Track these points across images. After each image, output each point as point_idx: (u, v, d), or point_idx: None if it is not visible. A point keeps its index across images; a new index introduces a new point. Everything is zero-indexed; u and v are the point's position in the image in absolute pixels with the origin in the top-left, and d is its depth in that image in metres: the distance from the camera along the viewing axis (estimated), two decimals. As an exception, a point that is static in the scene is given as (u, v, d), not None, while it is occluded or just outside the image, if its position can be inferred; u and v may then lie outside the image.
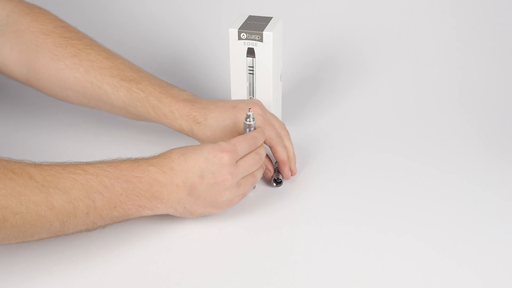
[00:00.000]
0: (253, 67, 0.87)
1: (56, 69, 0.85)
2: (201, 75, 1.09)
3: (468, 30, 1.14)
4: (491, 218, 0.78)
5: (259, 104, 0.84)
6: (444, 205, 0.80)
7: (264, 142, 0.80)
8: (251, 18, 0.88)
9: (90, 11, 1.24)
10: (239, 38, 0.86)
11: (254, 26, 0.86)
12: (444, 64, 1.10)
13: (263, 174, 0.82)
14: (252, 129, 0.79)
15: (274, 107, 0.91)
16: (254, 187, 0.81)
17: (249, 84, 0.89)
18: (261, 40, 0.85)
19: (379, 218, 0.78)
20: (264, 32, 0.84)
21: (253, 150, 0.76)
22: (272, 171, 0.83)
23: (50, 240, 0.70)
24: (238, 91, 0.90)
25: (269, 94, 0.88)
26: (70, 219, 0.67)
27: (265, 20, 0.87)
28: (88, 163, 0.70)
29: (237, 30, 0.85)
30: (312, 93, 1.05)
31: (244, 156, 0.75)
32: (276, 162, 0.84)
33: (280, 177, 0.84)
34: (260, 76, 0.87)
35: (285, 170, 0.83)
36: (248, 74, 0.88)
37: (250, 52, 0.86)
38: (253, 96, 0.89)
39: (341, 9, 1.18)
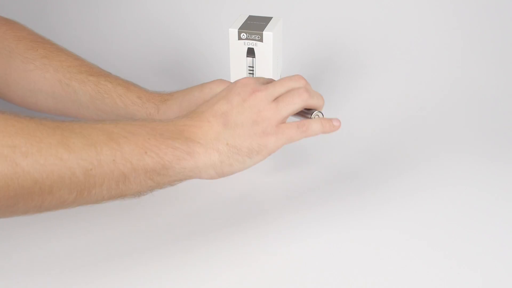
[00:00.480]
0: (253, 67, 0.87)
1: (26, 71, 0.84)
2: (201, 75, 1.09)
3: (468, 30, 1.14)
4: (491, 218, 0.78)
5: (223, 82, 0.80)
6: (444, 205, 0.80)
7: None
8: (251, 18, 0.88)
9: (90, 11, 1.24)
10: (239, 38, 0.86)
11: (254, 26, 0.86)
12: (445, 64, 1.10)
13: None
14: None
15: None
16: (314, 115, 0.72)
17: (249, 84, 0.89)
18: (261, 40, 0.85)
19: (379, 218, 0.78)
20: (264, 32, 0.84)
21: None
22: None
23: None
24: (238, 91, 0.89)
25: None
26: (94, 166, 0.58)
27: (265, 20, 0.87)
28: (102, 119, 0.66)
29: (237, 30, 0.85)
30: (312, 93, 1.05)
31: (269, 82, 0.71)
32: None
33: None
34: (260, 76, 0.87)
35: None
36: (248, 74, 0.88)
37: (250, 52, 0.86)
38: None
39: (341, 9, 1.18)
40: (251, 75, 0.88)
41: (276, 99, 0.69)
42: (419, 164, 0.88)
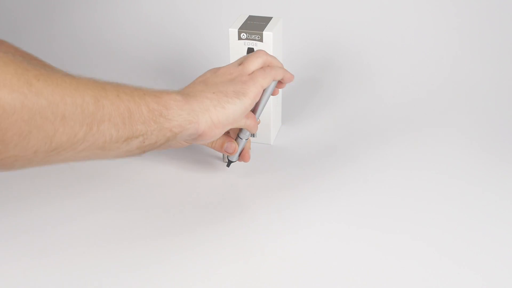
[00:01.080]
0: (253, 67, 0.87)
1: None
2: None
3: (469, 30, 1.14)
4: (491, 218, 0.78)
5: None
6: (445, 205, 0.80)
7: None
8: (251, 18, 0.88)
9: (90, 11, 1.24)
10: (239, 38, 0.86)
11: (254, 26, 0.86)
12: (445, 64, 1.10)
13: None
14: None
15: (274, 107, 0.91)
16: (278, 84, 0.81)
17: (249, 84, 0.89)
18: (261, 40, 0.85)
19: (379, 218, 0.78)
20: (264, 32, 0.84)
21: None
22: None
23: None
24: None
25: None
26: (102, 98, 0.61)
27: (265, 20, 0.87)
28: None
29: (237, 30, 0.85)
30: (312, 93, 1.05)
31: None
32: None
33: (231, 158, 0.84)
34: (260, 76, 0.87)
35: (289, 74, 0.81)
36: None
37: (250, 52, 0.86)
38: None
39: (341, 9, 1.18)
40: (251, 75, 0.88)
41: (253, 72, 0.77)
42: (420, 164, 0.88)
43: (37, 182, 0.84)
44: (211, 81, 0.75)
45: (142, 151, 0.68)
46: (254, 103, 0.76)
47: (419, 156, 0.90)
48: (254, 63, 0.77)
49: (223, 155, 0.87)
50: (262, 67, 0.78)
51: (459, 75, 1.08)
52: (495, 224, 0.77)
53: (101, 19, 1.24)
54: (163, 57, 1.15)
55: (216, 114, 0.71)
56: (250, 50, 0.86)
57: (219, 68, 0.77)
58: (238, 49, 0.86)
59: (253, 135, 0.90)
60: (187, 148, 0.90)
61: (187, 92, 0.72)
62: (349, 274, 0.70)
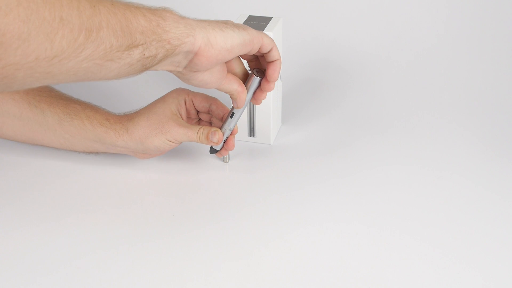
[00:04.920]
0: (253, 67, 0.87)
1: None
2: (201, 75, 1.09)
3: (468, 31, 1.14)
4: (491, 218, 0.78)
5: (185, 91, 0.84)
6: (445, 205, 0.80)
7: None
8: (251, 18, 0.88)
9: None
10: (239, 38, 0.85)
11: (254, 26, 0.86)
12: (444, 64, 1.10)
13: None
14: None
15: (274, 107, 0.91)
16: None
17: (249, 84, 0.89)
18: (261, 40, 0.85)
19: (379, 218, 0.78)
20: (264, 32, 0.84)
21: None
22: None
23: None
24: (238, 91, 0.89)
25: (269, 94, 0.88)
26: (97, 1, 0.59)
27: (265, 20, 0.87)
28: None
29: (237, 30, 0.85)
30: (312, 93, 1.05)
31: None
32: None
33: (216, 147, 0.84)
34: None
35: (277, 70, 0.77)
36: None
37: (250, 52, 0.86)
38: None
39: (341, 9, 1.18)
40: (251, 75, 0.88)
41: None
42: (420, 164, 0.88)
43: (37, 179, 0.84)
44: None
45: (143, 66, 0.66)
46: (251, 46, 0.72)
47: (419, 156, 0.90)
48: (265, 39, 0.74)
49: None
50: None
51: (459, 74, 1.08)
52: (496, 223, 0.77)
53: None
54: (163, 57, 1.14)
55: (214, 34, 0.69)
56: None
57: None
58: (238, 49, 0.86)
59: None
60: (187, 148, 0.90)
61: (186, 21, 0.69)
62: (349, 273, 0.70)
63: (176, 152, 0.90)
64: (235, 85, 0.76)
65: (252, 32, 0.72)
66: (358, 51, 1.14)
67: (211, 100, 0.84)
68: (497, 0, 1.15)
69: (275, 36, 0.86)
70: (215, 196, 0.82)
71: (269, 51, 0.75)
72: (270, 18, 0.88)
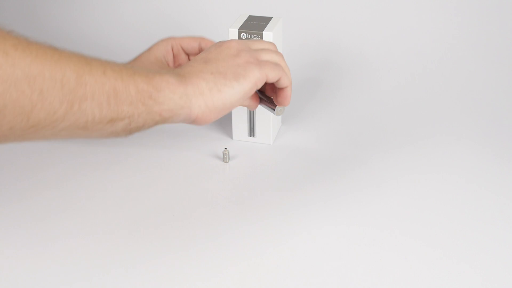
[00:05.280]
0: (253, 67, 0.87)
1: None
2: (201, 75, 1.09)
3: (469, 30, 1.14)
4: (491, 218, 0.78)
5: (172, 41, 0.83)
6: (446, 205, 0.80)
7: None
8: (251, 18, 0.88)
9: (89, 11, 1.24)
10: (239, 38, 0.86)
11: (254, 26, 0.86)
12: (445, 64, 1.10)
13: None
14: None
15: (274, 107, 0.91)
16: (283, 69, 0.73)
17: (249, 84, 0.89)
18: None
19: (379, 218, 0.78)
20: (264, 32, 0.84)
21: None
22: None
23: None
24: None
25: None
26: (85, 74, 0.56)
27: (265, 20, 0.87)
28: None
29: (237, 30, 0.85)
30: (312, 93, 1.05)
31: None
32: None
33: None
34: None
35: (288, 97, 0.75)
36: (248, 74, 0.88)
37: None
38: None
39: (342, 9, 1.18)
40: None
41: (254, 51, 0.70)
42: (420, 164, 0.88)
43: (36, 176, 0.84)
44: (213, 57, 0.68)
45: (128, 133, 0.63)
46: (255, 89, 0.69)
47: (420, 155, 0.90)
48: (268, 55, 0.71)
49: (223, 154, 0.87)
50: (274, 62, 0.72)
51: (460, 75, 1.08)
52: (496, 223, 0.77)
53: (100, 19, 1.24)
54: (163, 57, 1.15)
55: (212, 98, 0.66)
56: (250, 50, 0.86)
57: (224, 42, 0.71)
58: (238, 49, 0.86)
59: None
60: (187, 148, 0.90)
61: (183, 72, 0.66)
62: (349, 273, 0.70)
63: (176, 152, 0.90)
64: (247, 102, 0.75)
65: (255, 75, 0.68)
66: (358, 51, 1.14)
67: (199, 39, 0.83)
68: (496, 0, 1.15)
69: (275, 36, 0.86)
70: (215, 196, 0.82)
71: (277, 81, 0.72)
72: (270, 18, 0.88)
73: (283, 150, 0.91)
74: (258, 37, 0.85)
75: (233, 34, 0.85)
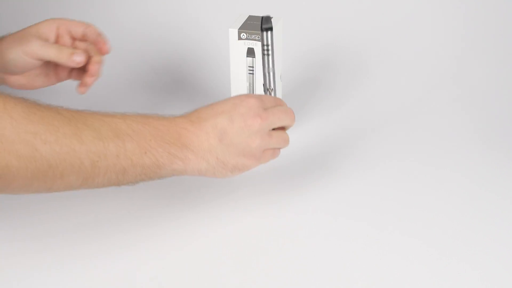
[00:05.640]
0: (253, 67, 0.87)
1: None
2: (201, 75, 1.09)
3: (468, 31, 1.14)
4: (491, 217, 0.78)
5: None
6: (445, 204, 0.80)
7: None
8: (251, 18, 0.88)
9: (89, 12, 1.24)
10: (239, 38, 0.86)
11: (254, 26, 0.86)
12: (445, 65, 1.10)
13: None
14: None
15: (274, 107, 0.91)
16: (287, 144, 0.80)
17: (249, 84, 0.89)
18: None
19: (380, 217, 0.78)
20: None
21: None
22: None
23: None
24: (238, 91, 0.90)
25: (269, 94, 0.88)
26: (101, 159, 0.66)
27: (265, 20, 0.87)
28: (112, 112, 0.71)
29: (237, 30, 0.85)
30: (313, 93, 1.05)
31: (271, 107, 0.76)
32: None
33: None
34: (260, 76, 0.87)
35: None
36: (248, 74, 0.88)
37: (250, 52, 0.86)
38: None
39: (342, 10, 1.18)
40: (251, 75, 0.88)
41: (269, 132, 0.75)
42: (420, 163, 0.88)
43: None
44: (229, 137, 0.72)
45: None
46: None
47: (420, 155, 0.90)
48: (280, 121, 0.77)
49: None
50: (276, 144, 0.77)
51: (458, 75, 1.08)
52: (495, 223, 0.77)
53: (100, 19, 1.23)
54: (162, 57, 1.15)
55: (205, 174, 0.74)
56: (250, 50, 0.86)
57: (252, 118, 0.73)
58: (238, 49, 0.86)
59: None
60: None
61: (193, 146, 0.72)
62: (349, 272, 0.70)
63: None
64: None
65: (251, 167, 0.75)
66: (358, 51, 1.14)
67: (86, 25, 0.85)
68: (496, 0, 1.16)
69: (275, 36, 0.86)
70: (215, 196, 0.82)
71: None
72: (270, 18, 0.88)
73: (283, 150, 0.91)
74: (258, 37, 0.85)
75: (233, 34, 0.85)
